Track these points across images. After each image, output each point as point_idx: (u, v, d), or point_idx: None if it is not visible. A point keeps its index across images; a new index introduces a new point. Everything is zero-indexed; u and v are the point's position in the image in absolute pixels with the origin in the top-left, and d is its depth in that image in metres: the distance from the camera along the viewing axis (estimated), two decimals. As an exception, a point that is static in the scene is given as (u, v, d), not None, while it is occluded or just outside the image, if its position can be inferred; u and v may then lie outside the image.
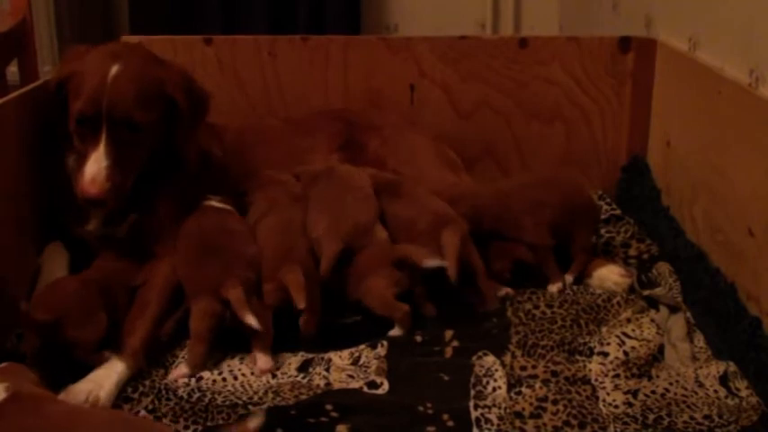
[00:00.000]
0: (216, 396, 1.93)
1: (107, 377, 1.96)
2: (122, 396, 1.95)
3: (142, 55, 2.33)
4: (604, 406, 1.90)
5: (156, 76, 2.28)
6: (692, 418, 1.84)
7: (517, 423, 1.84)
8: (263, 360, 2.04)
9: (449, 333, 2.17)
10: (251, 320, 2.02)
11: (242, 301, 2.04)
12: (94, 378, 1.95)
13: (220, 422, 1.83)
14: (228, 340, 2.08)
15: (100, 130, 2.20)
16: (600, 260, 2.48)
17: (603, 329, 2.18)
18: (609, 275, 2.39)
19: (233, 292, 2.05)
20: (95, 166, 2.17)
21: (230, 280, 2.08)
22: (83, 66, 2.25)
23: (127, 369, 2.00)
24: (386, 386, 1.97)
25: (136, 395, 1.95)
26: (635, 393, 1.93)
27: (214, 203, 2.39)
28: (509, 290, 2.36)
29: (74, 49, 2.35)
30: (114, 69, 2.22)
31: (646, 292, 2.33)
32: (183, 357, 2.07)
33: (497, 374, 1.99)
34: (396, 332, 2.17)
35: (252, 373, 2.02)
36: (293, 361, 2.07)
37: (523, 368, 2.03)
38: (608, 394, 1.94)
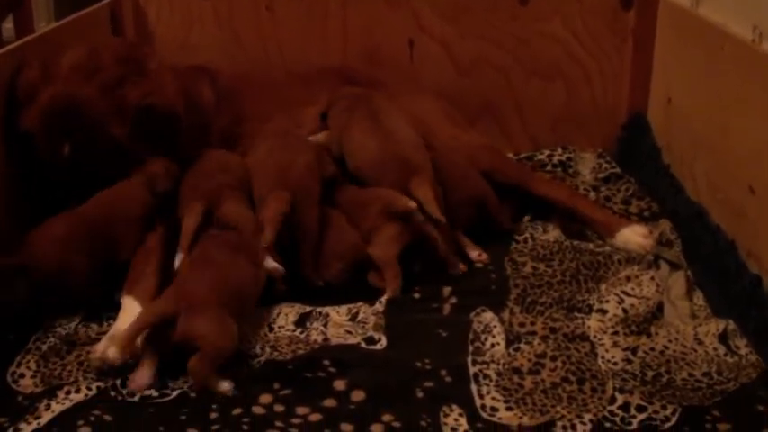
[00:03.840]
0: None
1: None
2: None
3: (92, 103, 2.21)
4: (603, 362, 1.90)
5: (110, 138, 2.21)
6: (690, 375, 1.84)
7: (515, 379, 1.83)
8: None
9: (447, 289, 2.17)
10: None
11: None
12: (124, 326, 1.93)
13: (218, 378, 1.84)
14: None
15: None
16: (623, 219, 2.47)
17: (603, 287, 2.18)
18: (633, 237, 2.37)
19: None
20: None
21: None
22: (35, 131, 2.19)
23: None
24: (384, 342, 1.96)
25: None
26: (634, 350, 1.93)
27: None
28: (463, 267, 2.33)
29: (28, 70, 2.25)
30: (67, 148, 2.17)
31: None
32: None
33: (496, 331, 1.99)
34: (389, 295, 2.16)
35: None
36: (290, 314, 2.06)
37: (522, 324, 2.03)
38: (607, 351, 1.93)
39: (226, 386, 1.78)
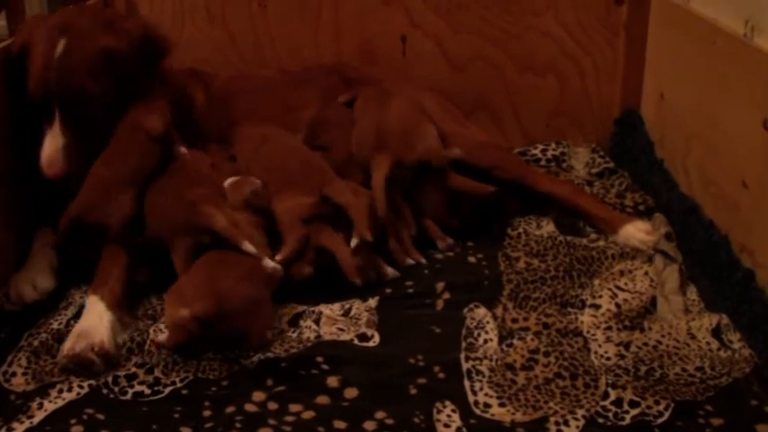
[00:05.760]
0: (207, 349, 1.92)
1: (102, 326, 1.95)
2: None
3: (91, 22, 2.28)
4: (596, 358, 1.90)
5: (105, 46, 2.25)
6: (684, 369, 1.84)
7: (509, 375, 1.83)
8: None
9: (440, 285, 2.17)
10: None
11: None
12: (90, 329, 1.93)
13: (211, 377, 1.83)
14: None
15: (53, 109, 2.20)
16: (625, 215, 2.47)
17: (596, 282, 2.18)
18: (635, 233, 2.37)
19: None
20: (51, 147, 2.19)
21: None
22: (32, 39, 2.25)
23: (114, 317, 1.99)
24: (377, 338, 1.96)
25: (123, 350, 1.95)
26: (627, 345, 1.93)
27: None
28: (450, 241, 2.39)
29: (29, 20, 2.34)
30: (61, 46, 2.20)
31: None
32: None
33: (489, 327, 1.99)
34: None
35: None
36: (284, 314, 2.06)
37: (515, 320, 2.03)
38: (600, 346, 1.93)
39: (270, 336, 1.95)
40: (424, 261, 2.29)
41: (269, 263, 2.05)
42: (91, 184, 2.17)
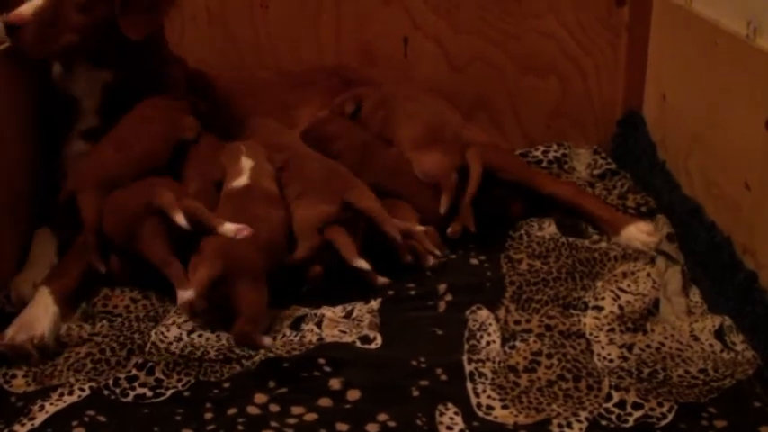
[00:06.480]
0: (209, 350, 1.92)
1: (47, 319, 1.97)
2: (113, 348, 1.94)
3: None
4: (599, 360, 1.89)
5: None
6: (686, 371, 1.84)
7: (511, 377, 1.83)
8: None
9: (442, 286, 2.16)
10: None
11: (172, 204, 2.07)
12: (34, 321, 1.96)
13: (212, 379, 1.83)
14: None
15: None
16: (627, 217, 2.47)
17: (599, 284, 2.17)
18: (637, 235, 2.36)
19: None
20: (31, 3, 2.18)
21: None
22: None
23: (59, 312, 2.01)
24: (379, 340, 1.95)
25: (124, 352, 1.94)
26: (630, 347, 1.93)
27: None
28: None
29: None
30: None
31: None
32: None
33: (491, 328, 1.98)
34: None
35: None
36: (286, 317, 2.05)
37: (517, 322, 2.02)
38: (602, 348, 1.93)
39: (268, 341, 1.94)
40: (438, 253, 2.28)
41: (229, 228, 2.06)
42: (95, 164, 2.20)
